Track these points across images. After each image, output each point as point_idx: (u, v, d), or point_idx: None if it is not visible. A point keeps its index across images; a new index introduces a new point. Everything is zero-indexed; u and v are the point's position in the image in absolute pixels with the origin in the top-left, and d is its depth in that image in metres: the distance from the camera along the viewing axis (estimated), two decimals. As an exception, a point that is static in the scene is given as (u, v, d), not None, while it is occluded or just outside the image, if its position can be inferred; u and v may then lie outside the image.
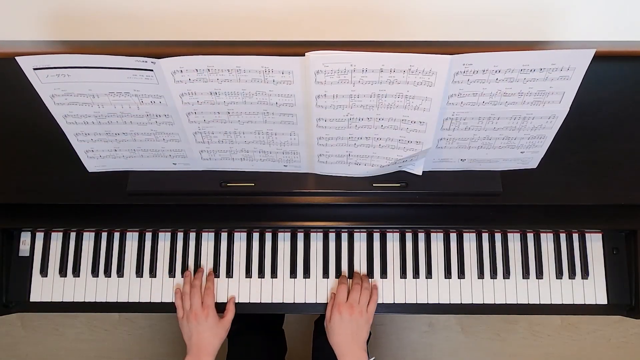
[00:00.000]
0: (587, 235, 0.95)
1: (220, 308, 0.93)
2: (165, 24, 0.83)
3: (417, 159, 0.82)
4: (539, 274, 0.94)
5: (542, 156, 0.83)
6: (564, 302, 0.93)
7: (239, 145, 0.81)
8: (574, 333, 1.68)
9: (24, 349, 1.69)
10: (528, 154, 0.82)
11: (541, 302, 0.93)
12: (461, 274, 0.94)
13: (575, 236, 0.95)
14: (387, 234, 0.96)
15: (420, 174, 0.85)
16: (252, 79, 0.68)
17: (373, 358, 0.87)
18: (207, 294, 0.90)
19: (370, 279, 0.94)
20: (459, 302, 0.93)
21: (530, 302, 0.93)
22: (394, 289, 0.94)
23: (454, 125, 0.77)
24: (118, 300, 0.94)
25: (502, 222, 0.91)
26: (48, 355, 1.68)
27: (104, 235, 0.96)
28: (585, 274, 0.93)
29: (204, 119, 0.76)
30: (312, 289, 0.94)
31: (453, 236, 0.95)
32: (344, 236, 0.96)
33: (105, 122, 0.78)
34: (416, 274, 0.94)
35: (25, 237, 0.96)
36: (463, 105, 0.73)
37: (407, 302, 0.93)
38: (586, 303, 0.93)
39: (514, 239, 0.95)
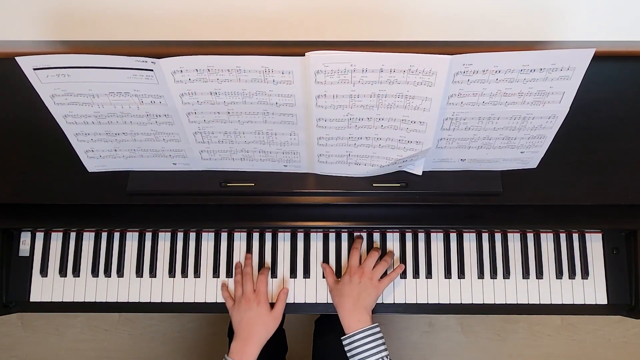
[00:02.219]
0: (587, 235, 0.95)
1: (216, 308, 0.92)
2: (165, 24, 0.83)
3: (417, 159, 0.82)
4: (539, 274, 0.94)
5: (542, 156, 0.83)
6: (564, 302, 0.93)
7: (239, 145, 0.81)
8: (574, 333, 1.68)
9: (24, 349, 1.69)
10: (528, 154, 0.82)
11: (541, 302, 0.93)
12: (461, 274, 0.94)
13: (575, 236, 0.95)
14: (387, 234, 0.96)
15: (420, 174, 0.85)
16: (252, 79, 0.68)
17: (376, 324, 0.84)
18: (261, 280, 0.90)
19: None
20: (459, 302, 0.93)
21: (530, 302, 0.93)
22: (394, 289, 0.94)
23: (454, 125, 0.77)
24: (118, 300, 0.94)
25: (502, 222, 0.91)
26: (48, 355, 1.68)
27: (104, 235, 0.96)
28: (585, 274, 0.93)
29: (204, 119, 0.76)
30: (312, 289, 0.94)
31: (453, 236, 0.95)
32: (344, 236, 0.96)
33: (105, 122, 0.78)
34: (416, 274, 0.94)
35: (25, 237, 0.96)
36: (463, 105, 0.73)
37: (407, 302, 0.93)
38: (586, 303, 0.93)
39: (514, 239, 0.95)
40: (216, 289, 0.94)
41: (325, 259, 0.95)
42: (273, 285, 0.94)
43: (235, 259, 0.95)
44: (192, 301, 0.94)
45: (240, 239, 0.96)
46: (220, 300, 0.93)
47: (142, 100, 0.73)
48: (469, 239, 0.95)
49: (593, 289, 0.93)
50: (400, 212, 0.91)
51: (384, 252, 0.95)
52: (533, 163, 0.85)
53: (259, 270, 0.94)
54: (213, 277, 0.95)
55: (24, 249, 0.95)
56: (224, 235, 0.96)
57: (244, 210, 0.91)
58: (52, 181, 0.87)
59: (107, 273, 0.95)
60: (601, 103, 0.83)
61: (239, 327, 0.87)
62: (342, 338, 0.84)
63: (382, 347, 0.82)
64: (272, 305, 0.91)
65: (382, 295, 0.93)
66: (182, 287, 0.94)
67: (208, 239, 0.96)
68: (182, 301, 0.94)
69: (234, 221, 0.92)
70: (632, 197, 0.86)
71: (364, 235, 0.96)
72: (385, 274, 0.91)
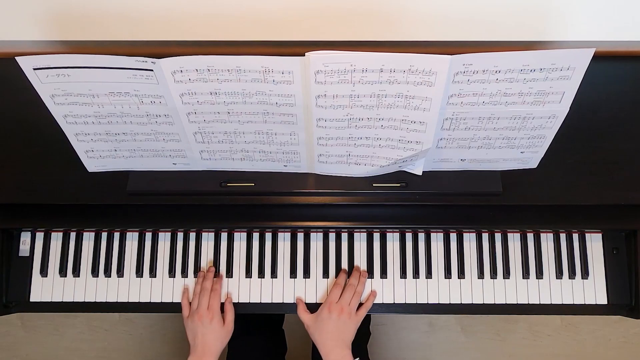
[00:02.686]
0: (587, 235, 0.95)
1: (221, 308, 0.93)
2: (165, 24, 0.83)
3: (417, 159, 0.82)
4: (539, 274, 0.94)
5: (542, 156, 0.83)
6: (564, 302, 0.93)
7: (239, 145, 0.81)
8: (574, 333, 1.68)
9: (24, 349, 1.69)
10: (528, 154, 0.82)
11: (541, 302, 0.93)
12: (461, 274, 0.94)
13: (575, 236, 0.95)
14: (387, 234, 0.96)
15: (420, 174, 0.85)
16: (252, 79, 0.68)
17: (358, 358, 0.87)
18: (214, 297, 0.91)
19: (370, 279, 0.94)
20: (459, 302, 0.93)
21: (530, 302, 0.93)
22: (394, 289, 0.94)
23: (454, 125, 0.77)
24: (118, 300, 0.94)
25: (502, 222, 0.91)
26: (48, 355, 1.68)
27: (104, 235, 0.96)
28: (585, 274, 0.93)
29: (204, 119, 0.76)
30: (312, 289, 0.94)
31: (453, 236, 0.95)
32: (344, 236, 0.96)
33: (105, 122, 0.78)
34: (416, 274, 0.94)
35: (25, 237, 0.96)
36: (463, 105, 0.73)
37: (407, 302, 0.93)
38: (586, 303, 0.93)
39: (514, 239, 0.95)
40: (216, 289, 0.94)
41: (325, 259, 0.95)
42: (273, 285, 0.94)
43: (235, 259, 0.95)
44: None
45: (240, 239, 0.96)
46: (221, 300, 0.93)
47: (142, 100, 0.73)
48: (469, 239, 0.95)
49: (593, 289, 0.93)
50: (400, 212, 0.91)
51: (384, 251, 0.95)
52: (533, 163, 0.85)
53: (259, 275, 0.94)
54: (213, 277, 0.94)
55: (24, 249, 0.95)
56: (224, 235, 0.96)
57: (244, 210, 0.91)
58: (52, 181, 0.87)
59: (107, 273, 0.95)
60: (601, 103, 0.83)
61: (194, 342, 0.88)
62: None
63: None
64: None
65: (382, 295, 0.93)
66: (182, 287, 0.94)
67: (208, 239, 0.96)
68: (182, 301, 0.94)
69: (234, 221, 0.92)
70: (632, 197, 0.86)
71: (364, 235, 0.96)
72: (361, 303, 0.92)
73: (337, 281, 0.92)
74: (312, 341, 1.13)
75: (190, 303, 0.92)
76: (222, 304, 0.92)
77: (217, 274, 0.95)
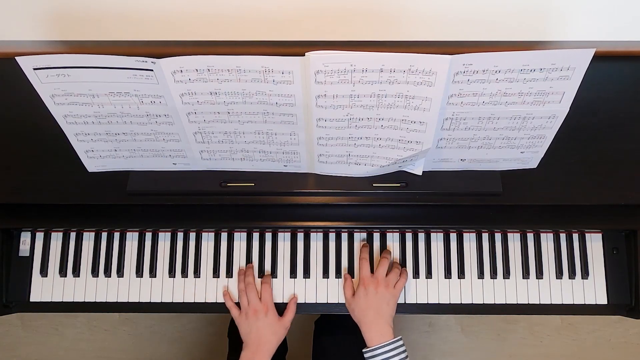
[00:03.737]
0: (587, 235, 0.95)
1: (216, 308, 0.92)
2: (165, 24, 0.83)
3: (417, 159, 0.82)
4: (539, 274, 0.94)
5: (542, 156, 0.83)
6: (563, 302, 0.93)
7: (239, 145, 0.81)
8: (574, 333, 1.68)
9: (24, 349, 1.69)
10: (528, 154, 0.82)
11: (541, 302, 0.93)
12: (461, 274, 0.94)
13: (575, 236, 0.95)
14: (387, 234, 0.96)
15: (420, 174, 0.85)
16: (252, 79, 0.68)
17: (399, 337, 0.84)
18: (265, 290, 0.90)
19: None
20: (459, 302, 0.93)
21: (530, 302, 0.93)
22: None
23: (454, 125, 0.77)
24: (118, 300, 0.94)
25: (502, 222, 0.91)
26: (48, 355, 1.68)
27: (104, 235, 0.96)
28: (585, 274, 0.93)
29: (204, 119, 0.76)
30: (312, 289, 0.94)
31: (453, 236, 0.95)
32: (344, 236, 0.96)
33: (105, 122, 0.78)
34: (416, 274, 0.94)
35: (25, 237, 0.96)
36: (463, 105, 0.73)
37: (407, 302, 0.93)
38: (586, 303, 0.93)
39: (514, 239, 0.95)
40: (216, 289, 0.94)
41: (325, 259, 0.95)
42: (273, 286, 0.94)
43: (235, 259, 0.95)
44: (192, 301, 0.94)
45: (240, 239, 0.96)
46: (221, 300, 0.93)
47: (142, 100, 0.73)
48: (469, 239, 0.95)
49: (593, 289, 0.93)
50: (400, 212, 0.91)
51: (383, 250, 0.95)
52: (533, 163, 0.85)
53: (259, 275, 0.94)
54: (213, 277, 0.95)
55: (24, 249, 0.95)
56: (224, 235, 0.96)
57: (244, 210, 0.91)
58: (52, 181, 0.87)
59: (107, 273, 0.95)
60: (601, 103, 0.83)
61: (249, 338, 0.86)
62: (363, 350, 0.84)
63: None
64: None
65: (382, 295, 0.93)
66: (182, 287, 0.94)
67: (208, 239, 0.96)
68: (182, 301, 0.94)
69: (234, 221, 0.92)
70: (632, 197, 0.86)
71: (364, 235, 0.96)
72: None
73: (362, 255, 0.90)
74: (314, 340, 1.14)
75: (235, 303, 0.91)
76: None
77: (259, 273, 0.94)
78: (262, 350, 0.85)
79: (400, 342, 0.83)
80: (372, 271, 0.90)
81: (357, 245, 0.96)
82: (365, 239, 0.96)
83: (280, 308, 0.93)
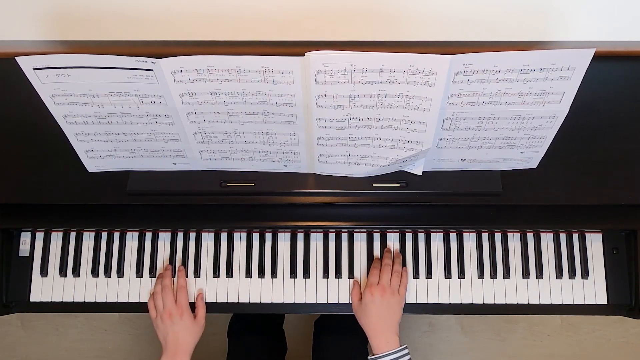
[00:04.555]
0: (587, 235, 0.95)
1: (215, 308, 0.93)
2: (165, 24, 0.83)
3: (417, 159, 0.82)
4: (539, 274, 0.94)
5: (542, 156, 0.83)
6: (564, 302, 0.93)
7: (239, 145, 0.81)
8: (574, 333, 1.68)
9: (24, 349, 1.69)
10: (528, 153, 0.82)
11: (541, 302, 0.93)
12: (461, 274, 0.94)
13: (575, 236, 0.95)
14: (387, 234, 0.96)
15: (420, 174, 0.85)
16: (252, 79, 0.68)
17: (405, 346, 0.85)
18: (180, 292, 0.90)
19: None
20: (459, 302, 0.93)
21: (530, 302, 0.93)
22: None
23: (454, 125, 0.77)
24: (118, 300, 0.94)
25: (502, 222, 0.91)
26: (48, 355, 1.68)
27: (104, 235, 0.96)
28: (585, 274, 0.93)
29: (204, 119, 0.76)
30: (312, 289, 0.94)
31: (453, 236, 0.95)
32: (344, 236, 0.96)
33: (105, 122, 0.78)
34: (416, 274, 0.94)
35: (25, 237, 0.96)
36: (463, 105, 0.73)
37: (407, 302, 0.93)
38: (586, 303, 0.93)
39: (514, 239, 0.95)
40: (216, 289, 0.94)
41: (325, 259, 0.95)
42: (273, 285, 0.94)
43: (236, 259, 0.95)
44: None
45: (240, 239, 0.96)
46: (220, 300, 0.93)
47: (142, 100, 0.73)
48: (469, 239, 0.95)
49: (593, 289, 0.93)
50: (400, 212, 0.91)
51: (384, 249, 0.95)
52: (533, 163, 0.85)
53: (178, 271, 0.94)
54: (213, 277, 0.95)
55: (24, 249, 0.95)
56: (224, 235, 0.96)
57: (244, 210, 0.91)
58: (52, 181, 0.87)
59: (107, 273, 0.95)
60: (601, 103, 0.83)
61: (166, 341, 0.87)
62: (369, 358, 0.85)
63: None
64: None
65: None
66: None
67: (208, 239, 0.96)
68: (182, 301, 0.94)
69: (234, 221, 0.92)
70: (632, 197, 0.86)
71: (364, 235, 0.96)
72: None
73: (374, 264, 0.91)
74: (314, 340, 1.14)
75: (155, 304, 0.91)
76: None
77: (174, 271, 0.94)
78: (181, 352, 0.86)
79: (406, 351, 0.85)
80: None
81: (357, 246, 0.96)
82: (366, 239, 0.96)
83: (281, 309, 0.93)
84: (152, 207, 0.91)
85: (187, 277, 0.94)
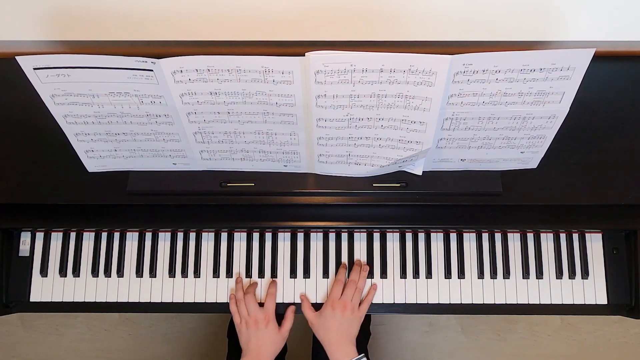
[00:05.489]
0: (587, 235, 0.95)
1: (215, 308, 0.92)
2: (165, 24, 0.83)
3: (417, 159, 0.82)
4: (539, 274, 0.94)
5: (542, 156, 0.83)
6: (563, 302, 0.93)
7: (239, 145, 0.81)
8: (574, 333, 1.68)
9: (24, 349, 1.69)
10: (528, 154, 0.82)
11: (541, 302, 0.93)
12: (461, 274, 0.94)
13: (575, 236, 0.95)
14: (387, 234, 0.96)
15: (420, 174, 0.85)
16: (252, 79, 0.68)
17: (362, 355, 0.87)
18: (270, 300, 0.91)
19: (370, 279, 0.94)
20: (459, 302, 0.93)
21: (530, 302, 0.93)
22: (394, 289, 0.94)
23: (454, 125, 0.77)
24: (118, 300, 0.94)
25: (502, 222, 0.91)
26: (48, 355, 1.68)
27: (104, 235, 0.96)
28: (585, 274, 0.93)
29: (204, 119, 0.76)
30: (312, 289, 0.94)
31: (453, 236, 0.95)
32: (344, 236, 0.96)
33: (105, 122, 0.78)
34: (416, 274, 0.94)
35: (25, 237, 0.96)
36: (463, 105, 0.73)
37: (407, 302, 0.93)
38: (586, 303, 0.93)
39: (514, 239, 0.95)
40: (216, 289, 0.94)
41: (325, 259, 0.95)
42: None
43: (236, 259, 0.95)
44: (192, 301, 0.94)
45: (240, 239, 0.96)
46: (220, 300, 0.93)
47: (142, 100, 0.73)
48: (469, 239, 0.95)
49: (593, 289, 0.93)
50: (400, 212, 0.91)
51: (384, 251, 0.95)
52: (533, 163, 0.85)
53: (259, 275, 0.94)
54: (213, 277, 0.95)
55: (24, 249, 0.95)
56: (224, 235, 0.96)
57: (244, 210, 0.91)
58: (52, 181, 0.87)
59: (107, 273, 0.95)
60: (601, 103, 0.83)
61: (248, 347, 0.88)
62: None
63: None
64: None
65: (382, 295, 0.93)
66: (182, 287, 0.94)
67: (208, 239, 0.96)
68: (182, 301, 0.94)
69: (234, 221, 0.92)
70: (632, 197, 0.86)
71: (364, 235, 0.96)
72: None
73: (337, 277, 0.92)
74: (314, 339, 1.14)
75: (238, 309, 0.91)
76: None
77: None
78: (262, 359, 0.86)
79: (365, 359, 0.86)
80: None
81: (357, 246, 0.96)
82: (365, 239, 0.96)
83: (279, 308, 0.93)
84: (152, 207, 0.91)
85: (187, 277, 0.95)
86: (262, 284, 0.95)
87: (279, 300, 0.94)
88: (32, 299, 0.94)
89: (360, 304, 0.90)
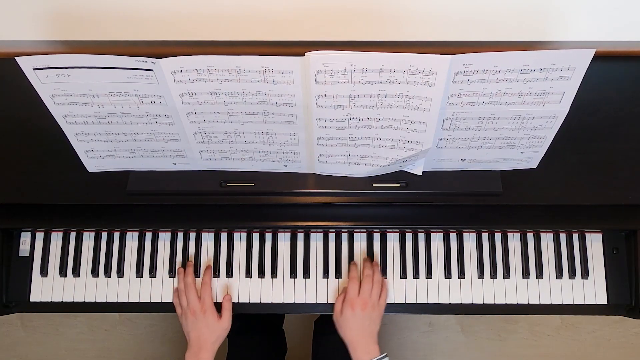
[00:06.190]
0: (587, 235, 0.95)
1: (219, 307, 0.92)
2: (165, 24, 0.83)
3: (417, 159, 0.82)
4: (539, 274, 0.94)
5: (542, 156, 0.83)
6: (564, 302, 0.93)
7: (239, 145, 0.81)
8: (574, 333, 1.68)
9: (24, 349, 1.69)
10: (528, 154, 0.82)
11: (541, 302, 0.93)
12: (461, 274, 0.94)
13: (575, 236, 0.95)
14: (387, 234, 0.96)
15: (420, 174, 0.85)
16: (252, 79, 0.68)
17: (385, 354, 0.86)
18: (205, 290, 0.90)
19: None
20: (459, 302, 0.93)
21: (530, 302, 0.93)
22: (394, 289, 0.94)
23: (454, 125, 0.77)
24: (118, 300, 0.94)
25: (502, 222, 0.91)
26: (48, 355, 1.68)
27: (104, 235, 0.96)
28: (585, 274, 0.93)
29: (204, 119, 0.76)
30: (312, 289, 0.94)
31: (453, 236, 0.95)
32: (344, 236, 0.96)
33: (105, 122, 0.78)
34: (416, 274, 0.94)
35: (25, 237, 0.96)
36: (463, 105, 0.73)
37: (407, 302, 0.93)
38: (586, 303, 0.93)
39: (514, 239, 0.95)
40: (217, 289, 0.94)
41: (325, 259, 0.95)
42: (273, 285, 0.94)
43: (236, 259, 0.95)
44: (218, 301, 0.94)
45: (240, 239, 0.96)
46: (220, 300, 0.93)
47: (142, 100, 0.73)
48: (469, 239, 0.95)
49: (593, 289, 0.93)
50: (400, 212, 0.91)
51: (384, 251, 0.95)
52: (533, 163, 0.85)
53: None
54: (213, 277, 0.95)
55: (24, 249, 0.95)
56: (224, 235, 0.96)
57: (244, 210, 0.91)
58: (52, 181, 0.87)
59: (107, 273, 0.95)
60: (601, 103, 0.83)
61: (190, 338, 0.88)
62: None
63: None
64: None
65: (382, 295, 0.93)
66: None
67: (208, 239, 0.96)
68: (182, 301, 0.94)
69: (234, 221, 0.92)
70: (632, 197, 0.86)
71: (364, 235, 0.96)
72: None
73: (351, 275, 0.91)
74: (314, 340, 1.14)
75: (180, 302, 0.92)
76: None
77: (197, 268, 0.95)
78: (205, 349, 0.87)
79: (387, 359, 0.86)
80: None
81: (357, 246, 0.96)
82: (365, 239, 0.96)
83: (280, 309, 0.93)
84: (152, 207, 0.91)
85: (187, 277, 0.95)
86: (262, 284, 0.95)
87: (280, 300, 0.94)
88: (32, 299, 0.94)
89: (379, 299, 0.90)
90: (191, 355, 0.87)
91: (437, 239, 0.95)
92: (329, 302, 0.93)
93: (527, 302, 0.93)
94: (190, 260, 0.95)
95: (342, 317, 0.88)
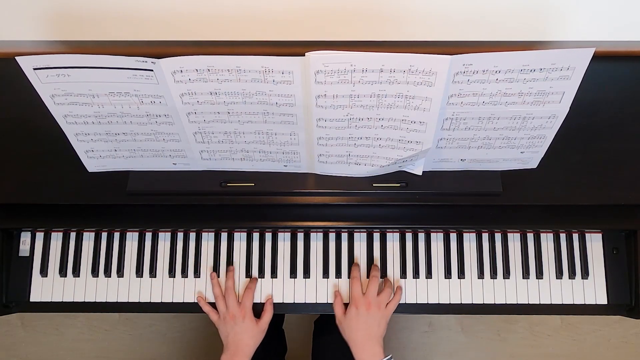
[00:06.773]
0: (587, 235, 0.95)
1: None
2: (165, 24, 0.83)
3: (417, 159, 0.82)
4: (539, 274, 0.94)
5: (542, 156, 0.83)
6: (564, 302, 0.93)
7: (239, 145, 0.81)
8: (574, 333, 1.68)
9: (24, 349, 1.69)
10: (528, 154, 0.82)
11: (541, 302, 0.93)
12: (461, 274, 0.94)
13: (575, 236, 0.95)
14: (387, 234, 0.96)
15: (420, 174, 0.85)
16: (252, 79, 0.68)
17: (390, 356, 0.85)
18: (247, 295, 0.91)
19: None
20: (459, 302, 0.93)
21: (530, 302, 0.93)
22: (393, 289, 0.94)
23: (454, 125, 0.77)
24: (118, 300, 0.94)
25: (502, 222, 0.91)
26: (48, 355, 1.68)
27: (104, 235, 0.96)
28: (585, 274, 0.93)
29: (204, 119, 0.76)
30: (312, 289, 0.94)
31: (453, 236, 0.95)
32: (344, 236, 0.96)
33: (105, 122, 0.78)
34: (416, 274, 0.94)
35: (25, 237, 0.96)
36: (463, 105, 0.73)
37: (407, 302, 0.93)
38: (586, 303, 0.93)
39: (514, 239, 0.95)
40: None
41: (325, 259, 0.95)
42: (273, 286, 0.94)
43: (236, 259, 0.95)
44: (193, 301, 0.94)
45: (240, 239, 0.96)
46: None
47: (142, 100, 0.73)
48: (469, 239, 0.95)
49: (593, 289, 0.93)
50: (400, 212, 0.91)
51: (384, 251, 0.95)
52: (533, 163, 0.85)
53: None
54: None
55: (24, 249, 0.95)
56: (224, 235, 0.96)
57: (244, 210, 0.91)
58: (52, 181, 0.87)
59: (107, 273, 0.95)
60: (601, 103, 0.83)
61: (227, 342, 0.88)
62: None
63: None
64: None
65: (382, 295, 0.93)
66: (182, 287, 0.94)
67: (208, 239, 0.96)
68: (182, 301, 0.94)
69: (234, 221, 0.92)
70: (632, 197, 0.86)
71: (364, 235, 0.96)
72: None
73: (353, 275, 0.90)
74: (314, 340, 1.14)
75: (213, 308, 0.92)
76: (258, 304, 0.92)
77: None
78: (241, 354, 0.87)
79: None
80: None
81: (357, 246, 0.96)
82: (365, 239, 0.96)
83: (281, 309, 0.93)
84: (152, 207, 0.91)
85: (187, 277, 0.95)
86: (262, 284, 0.95)
87: (280, 300, 0.94)
88: (32, 299, 0.94)
89: (387, 304, 0.88)
90: (227, 357, 0.87)
91: (437, 239, 0.95)
92: (329, 302, 0.93)
93: (527, 302, 0.93)
94: (232, 265, 0.95)
95: (345, 318, 0.87)
